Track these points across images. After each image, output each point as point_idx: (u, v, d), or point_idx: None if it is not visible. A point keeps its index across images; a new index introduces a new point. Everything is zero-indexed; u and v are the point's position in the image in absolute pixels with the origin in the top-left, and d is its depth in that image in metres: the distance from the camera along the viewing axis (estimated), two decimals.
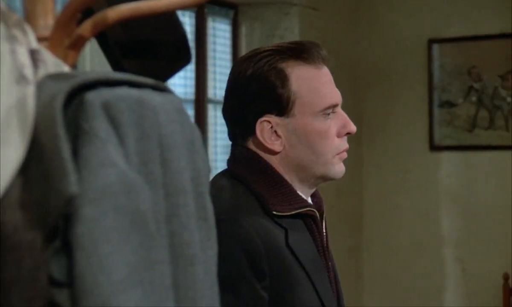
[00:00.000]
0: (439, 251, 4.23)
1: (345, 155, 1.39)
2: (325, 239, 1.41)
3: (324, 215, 1.43)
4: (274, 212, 1.30)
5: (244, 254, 1.25)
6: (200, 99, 3.53)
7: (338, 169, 1.38)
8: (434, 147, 4.25)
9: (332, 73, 1.46)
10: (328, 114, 1.36)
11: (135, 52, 0.80)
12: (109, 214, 0.60)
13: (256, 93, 1.35)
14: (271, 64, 1.34)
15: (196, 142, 0.75)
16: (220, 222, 1.24)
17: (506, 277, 3.83)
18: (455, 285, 4.21)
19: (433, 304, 4.24)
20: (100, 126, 0.64)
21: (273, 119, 1.34)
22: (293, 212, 1.33)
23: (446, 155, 4.25)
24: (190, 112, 3.49)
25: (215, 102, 3.67)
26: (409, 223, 4.30)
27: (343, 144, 1.38)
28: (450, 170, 4.24)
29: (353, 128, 1.38)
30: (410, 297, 4.27)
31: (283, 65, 1.34)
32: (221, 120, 3.89)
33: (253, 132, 1.36)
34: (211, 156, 3.61)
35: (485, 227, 4.12)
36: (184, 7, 0.81)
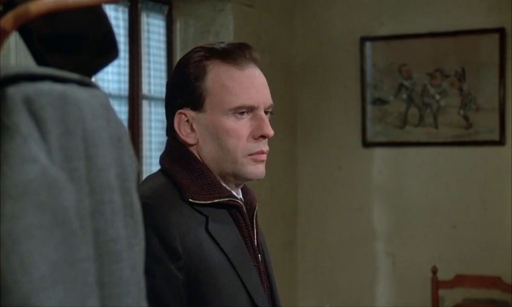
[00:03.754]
0: (371, 245, 4.32)
1: (260, 157, 1.40)
2: (254, 232, 1.44)
3: (256, 211, 1.46)
4: (190, 200, 1.35)
5: (156, 235, 1.29)
6: (134, 95, 3.49)
7: (253, 170, 1.40)
8: (367, 144, 4.33)
9: (267, 69, 1.48)
10: (242, 113, 1.39)
11: (59, 46, 0.78)
12: (30, 211, 0.58)
13: (177, 86, 1.43)
14: (195, 60, 1.41)
15: (122, 138, 0.74)
16: None
17: (434, 270, 3.94)
18: (385, 278, 4.30)
19: (365, 296, 4.33)
20: (21, 121, 0.62)
21: (189, 112, 1.40)
22: (211, 201, 1.37)
23: (378, 152, 4.34)
24: (124, 108, 3.44)
25: (149, 98, 3.64)
26: (342, 218, 4.37)
27: (257, 146, 1.40)
28: (382, 166, 4.33)
29: (267, 131, 1.39)
30: (343, 290, 4.35)
31: (206, 62, 1.40)
32: (155, 116, 3.86)
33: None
34: (145, 153, 3.58)
35: (414, 222, 4.23)
36: (112, 1, 0.80)
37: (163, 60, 3.74)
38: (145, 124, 3.59)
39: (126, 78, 3.45)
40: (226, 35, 3.66)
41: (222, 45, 1.41)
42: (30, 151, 0.61)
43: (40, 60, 0.79)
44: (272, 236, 4.02)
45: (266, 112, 1.43)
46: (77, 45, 0.79)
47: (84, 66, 0.79)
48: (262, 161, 1.41)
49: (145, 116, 3.59)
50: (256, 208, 1.47)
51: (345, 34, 4.34)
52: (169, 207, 1.32)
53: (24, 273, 0.56)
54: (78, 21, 0.78)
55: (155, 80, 3.68)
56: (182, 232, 1.31)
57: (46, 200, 0.60)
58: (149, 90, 3.64)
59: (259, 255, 1.44)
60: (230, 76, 1.39)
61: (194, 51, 1.43)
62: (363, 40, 4.30)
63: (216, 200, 1.37)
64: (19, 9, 0.72)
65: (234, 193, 1.43)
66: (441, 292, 4.00)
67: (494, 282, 3.89)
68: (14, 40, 2.27)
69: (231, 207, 1.40)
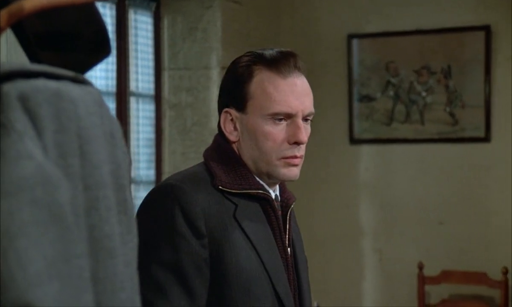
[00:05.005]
0: (358, 242, 4.35)
1: (293, 161, 1.50)
2: (284, 226, 1.53)
3: (291, 208, 1.56)
4: (220, 187, 1.45)
5: (181, 213, 1.40)
6: (122, 92, 3.49)
7: (286, 172, 1.50)
8: (354, 141, 4.35)
9: None
10: (280, 119, 1.49)
11: (53, 43, 0.78)
12: (26, 207, 0.59)
13: (225, 86, 1.54)
14: (243, 64, 1.51)
15: (116, 134, 0.74)
16: (166, 186, 1.44)
17: (420, 266, 3.97)
18: (372, 274, 4.33)
19: (352, 292, 4.35)
20: (16, 118, 0.63)
21: (233, 112, 1.51)
22: (240, 191, 1.47)
23: (365, 148, 4.36)
24: (112, 105, 3.44)
25: (137, 95, 3.63)
26: (330, 215, 4.39)
27: (291, 151, 1.50)
28: (369, 163, 4.35)
29: (300, 138, 1.49)
30: (330, 286, 4.37)
31: (253, 67, 1.49)
32: (143, 113, 3.86)
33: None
34: (133, 149, 3.57)
35: (401, 218, 4.26)
36: None
37: (150, 57, 3.74)
38: (132, 120, 3.58)
39: (114, 74, 3.44)
40: (214, 32, 3.66)
41: (271, 52, 1.51)
42: (25, 148, 0.61)
43: (33, 57, 0.79)
44: None
45: (307, 119, 1.52)
46: (70, 43, 0.79)
47: (77, 63, 0.80)
48: (295, 165, 1.50)
49: (132, 112, 3.59)
50: (292, 206, 1.56)
51: (332, 32, 4.36)
52: (196, 190, 1.42)
53: (20, 269, 0.56)
54: (71, 18, 0.79)
55: (142, 77, 3.68)
56: (208, 214, 1.41)
57: (42, 197, 0.60)
58: (137, 87, 3.64)
59: (289, 249, 1.52)
60: (272, 83, 1.48)
61: (245, 55, 1.53)
62: (350, 37, 4.32)
63: (244, 191, 1.47)
64: (13, 7, 0.72)
65: (266, 187, 1.51)
66: (427, 288, 4.03)
67: (480, 278, 3.92)
68: (5, 37, 2.26)
69: (262, 200, 1.49)
